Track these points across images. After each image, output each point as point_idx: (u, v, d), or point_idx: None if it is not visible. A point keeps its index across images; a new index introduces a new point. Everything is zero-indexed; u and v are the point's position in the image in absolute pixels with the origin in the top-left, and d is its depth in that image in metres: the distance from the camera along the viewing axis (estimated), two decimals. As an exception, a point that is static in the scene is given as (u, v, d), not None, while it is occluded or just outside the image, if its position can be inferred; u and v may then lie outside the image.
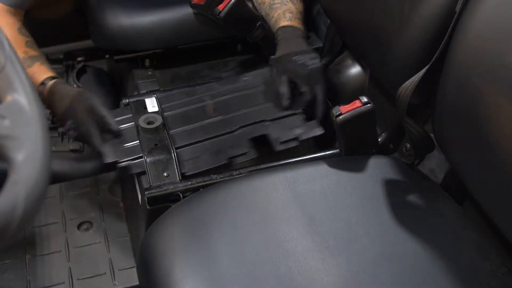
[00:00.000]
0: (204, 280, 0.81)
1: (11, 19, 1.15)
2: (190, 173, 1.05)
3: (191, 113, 1.18)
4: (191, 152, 1.09)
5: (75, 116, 1.09)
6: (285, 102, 1.14)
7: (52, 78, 1.14)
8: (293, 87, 1.14)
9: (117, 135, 1.10)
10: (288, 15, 1.21)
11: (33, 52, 1.15)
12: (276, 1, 1.23)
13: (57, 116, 1.11)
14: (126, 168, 1.06)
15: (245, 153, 1.08)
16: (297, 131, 1.10)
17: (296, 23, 1.21)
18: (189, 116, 1.17)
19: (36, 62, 1.14)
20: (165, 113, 1.16)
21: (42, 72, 1.14)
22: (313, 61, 1.14)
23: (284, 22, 1.21)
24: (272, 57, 1.18)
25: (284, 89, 1.14)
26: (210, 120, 1.15)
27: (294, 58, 1.14)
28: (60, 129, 1.12)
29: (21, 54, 1.13)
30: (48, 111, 1.39)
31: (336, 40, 1.32)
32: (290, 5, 1.23)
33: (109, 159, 1.06)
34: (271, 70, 1.18)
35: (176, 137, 1.11)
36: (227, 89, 1.23)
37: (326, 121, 1.10)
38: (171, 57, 1.39)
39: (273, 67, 1.17)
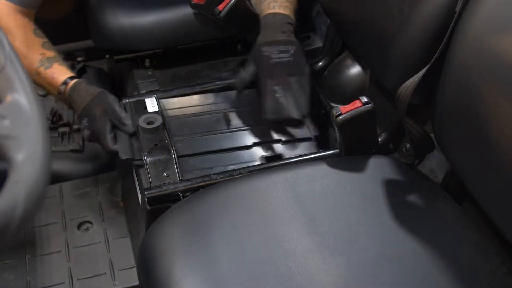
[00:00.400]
0: (204, 280, 0.81)
1: (25, 20, 1.15)
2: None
3: (195, 120, 1.18)
4: (197, 162, 1.09)
5: (90, 114, 1.09)
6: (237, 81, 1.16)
7: (73, 77, 1.14)
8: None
9: (132, 136, 1.10)
10: (272, 4, 1.19)
11: (50, 54, 1.15)
12: None
13: (76, 114, 1.12)
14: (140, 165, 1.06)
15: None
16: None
17: (281, 10, 1.18)
18: (192, 122, 1.17)
19: (54, 63, 1.14)
20: (165, 114, 1.16)
21: (63, 72, 1.14)
22: (280, 55, 1.11)
23: (267, 11, 1.19)
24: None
25: (245, 74, 1.14)
26: (222, 133, 1.15)
27: (263, 49, 1.12)
28: (76, 126, 1.12)
29: (38, 56, 1.13)
30: (48, 111, 1.40)
31: (336, 40, 1.32)
32: None
33: (124, 156, 1.07)
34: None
35: (178, 143, 1.11)
36: (241, 101, 1.23)
37: (326, 121, 1.10)
38: (171, 57, 1.39)
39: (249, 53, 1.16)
